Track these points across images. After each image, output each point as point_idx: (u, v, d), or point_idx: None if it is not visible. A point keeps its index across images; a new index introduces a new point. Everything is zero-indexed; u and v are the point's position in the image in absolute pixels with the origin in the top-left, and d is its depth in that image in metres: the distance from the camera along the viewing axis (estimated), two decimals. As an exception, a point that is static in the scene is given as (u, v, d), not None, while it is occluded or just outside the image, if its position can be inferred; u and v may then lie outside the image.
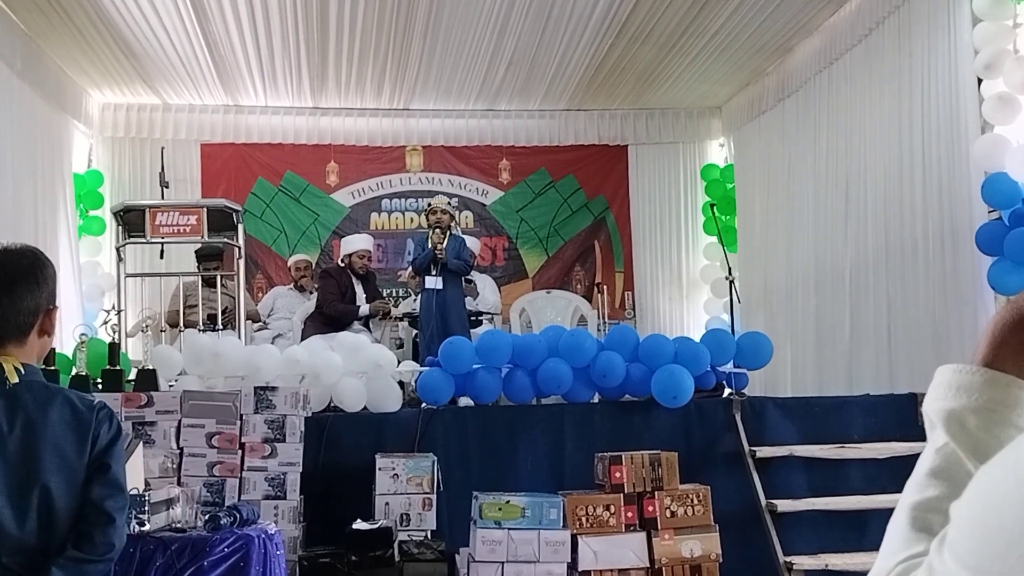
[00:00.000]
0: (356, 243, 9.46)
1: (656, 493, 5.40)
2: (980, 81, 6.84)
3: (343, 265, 9.35)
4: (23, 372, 2.38)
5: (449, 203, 9.03)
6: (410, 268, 9.19)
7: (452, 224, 8.72)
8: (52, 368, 5.55)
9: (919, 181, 7.50)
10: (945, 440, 0.97)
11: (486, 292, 9.70)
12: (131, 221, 7.34)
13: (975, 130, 6.89)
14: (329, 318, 8.89)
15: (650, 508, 5.38)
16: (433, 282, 8.33)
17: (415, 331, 8.78)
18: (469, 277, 9.27)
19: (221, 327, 7.76)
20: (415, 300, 8.93)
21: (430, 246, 8.41)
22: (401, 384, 6.85)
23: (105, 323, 6.61)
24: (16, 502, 2.32)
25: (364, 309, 8.95)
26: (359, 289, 9.11)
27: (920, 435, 1.02)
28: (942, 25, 7.25)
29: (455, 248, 8.53)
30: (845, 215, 8.61)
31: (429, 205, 8.87)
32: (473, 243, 10.01)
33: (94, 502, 2.39)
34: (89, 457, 2.40)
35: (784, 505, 6.00)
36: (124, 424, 5.24)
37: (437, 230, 8.43)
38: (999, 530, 0.80)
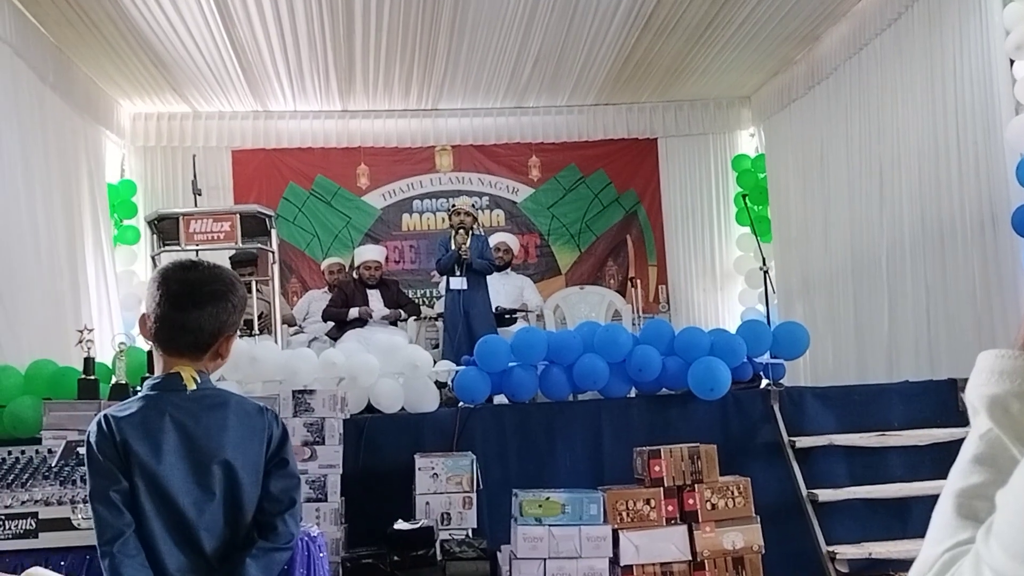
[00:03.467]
0: (364, 254, 9.81)
1: (696, 486, 5.38)
2: (1012, 62, 6.77)
3: (356, 279, 9.52)
4: (199, 380, 2.53)
5: (473, 204, 9.09)
6: (435, 270, 9.32)
7: (475, 225, 8.77)
8: (92, 377, 5.60)
9: (954, 165, 7.44)
10: (989, 426, 0.97)
11: (526, 293, 9.72)
12: (165, 229, 7.39)
13: (1008, 111, 6.82)
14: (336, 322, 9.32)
15: (690, 501, 5.36)
16: (458, 283, 8.39)
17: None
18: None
19: (258, 332, 7.81)
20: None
21: (454, 247, 8.45)
22: (439, 384, 6.86)
23: (143, 331, 6.65)
24: (199, 489, 2.48)
25: (353, 313, 9.09)
26: (374, 297, 9.22)
27: (960, 420, 1.01)
28: (972, 6, 7.19)
29: (478, 248, 8.58)
30: (880, 201, 8.55)
31: (453, 206, 8.93)
32: (513, 241, 10.06)
33: (276, 493, 2.58)
34: (267, 454, 2.59)
35: (825, 495, 5.97)
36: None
37: (461, 231, 8.48)
38: None
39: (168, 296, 2.49)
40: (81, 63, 9.20)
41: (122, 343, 5.86)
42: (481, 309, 8.52)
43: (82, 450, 4.20)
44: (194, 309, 2.49)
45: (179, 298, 2.49)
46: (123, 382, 5.67)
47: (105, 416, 2.47)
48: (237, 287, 2.59)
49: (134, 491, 2.42)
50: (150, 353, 6.06)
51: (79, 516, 3.86)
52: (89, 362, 5.66)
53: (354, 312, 9.05)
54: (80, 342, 5.72)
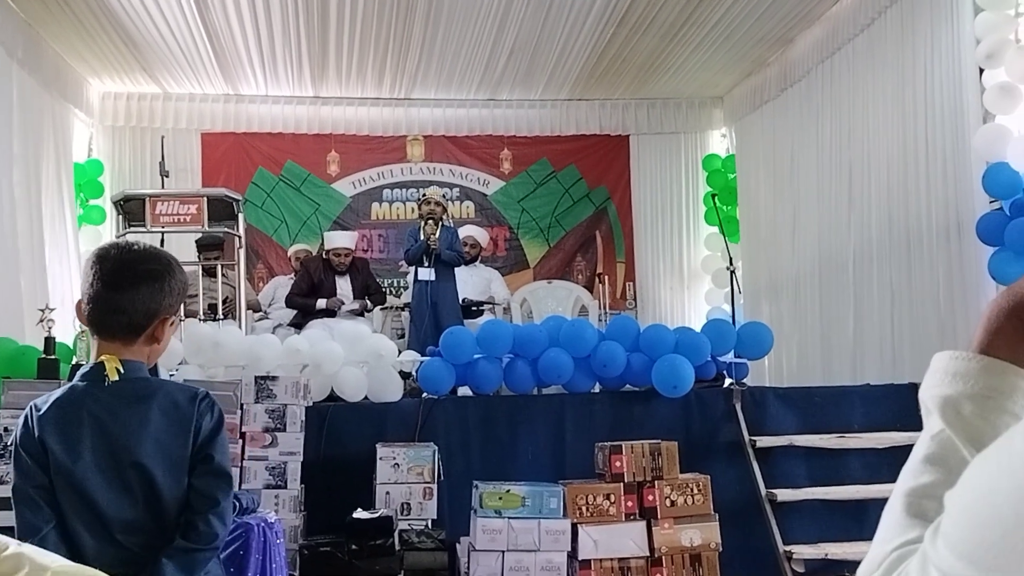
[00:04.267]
0: (335, 240, 9.57)
1: (656, 482, 5.40)
2: (982, 71, 6.82)
3: (324, 259, 9.43)
4: (123, 371, 2.42)
5: (443, 195, 9.05)
6: (403, 260, 9.28)
7: (444, 216, 8.73)
8: (52, 357, 5.56)
9: (922, 171, 7.49)
10: (941, 427, 0.97)
11: (494, 285, 9.72)
12: (131, 210, 7.33)
13: (976, 120, 6.88)
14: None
15: (650, 497, 5.39)
16: (426, 273, 8.35)
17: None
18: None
19: (222, 317, 7.76)
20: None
21: (423, 237, 8.41)
22: (404, 374, 6.85)
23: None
24: (117, 488, 2.40)
25: (321, 303, 8.97)
26: (342, 283, 9.14)
27: (920, 425, 1.02)
28: (944, 15, 7.24)
29: (447, 239, 8.54)
30: (849, 205, 8.60)
31: (423, 196, 8.89)
32: (481, 234, 10.04)
33: (199, 490, 2.47)
34: (193, 448, 2.48)
35: (784, 494, 6.01)
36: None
37: (430, 221, 8.44)
38: (993, 520, 0.80)
39: (102, 275, 2.41)
40: (51, 40, 9.10)
41: (83, 323, 5.81)
42: (448, 301, 8.50)
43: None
44: (128, 288, 2.40)
45: (113, 276, 2.41)
46: (83, 362, 5.62)
47: (30, 408, 2.42)
48: (175, 270, 2.50)
49: (53, 488, 2.37)
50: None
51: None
52: (50, 342, 5.61)
53: (322, 303, 8.97)
54: (41, 321, 5.68)
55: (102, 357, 2.41)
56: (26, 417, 2.41)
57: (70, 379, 5.13)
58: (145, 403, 2.44)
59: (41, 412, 2.39)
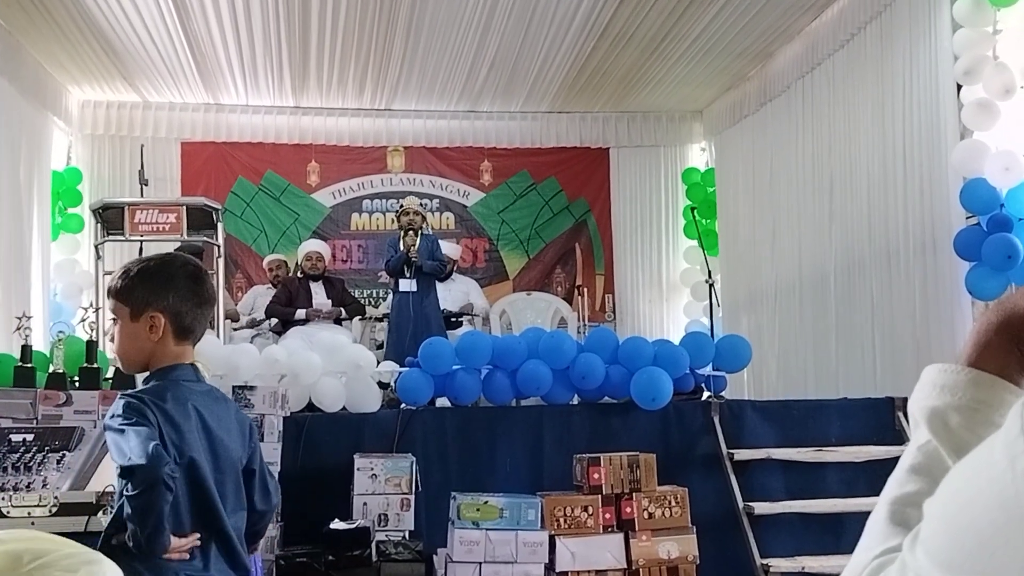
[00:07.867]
0: (306, 247, 9.72)
1: (634, 494, 5.40)
2: (959, 87, 6.87)
3: (301, 276, 9.43)
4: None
5: (421, 204, 9.04)
6: (382, 270, 9.28)
7: (423, 225, 8.71)
8: (29, 365, 5.51)
9: (900, 186, 7.54)
10: (928, 437, 0.98)
11: (472, 296, 9.70)
12: (110, 219, 7.30)
13: (954, 136, 6.93)
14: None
15: (628, 509, 5.38)
16: (407, 284, 8.32)
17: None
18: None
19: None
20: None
21: (403, 248, 8.39)
22: (382, 384, 6.82)
23: (83, 321, 6.56)
24: (220, 476, 2.70)
25: (300, 314, 8.95)
26: (318, 291, 9.13)
27: (897, 439, 1.03)
28: (923, 31, 7.29)
29: (428, 248, 8.52)
30: (830, 219, 8.64)
31: (401, 206, 8.88)
32: (453, 249, 10.02)
33: (262, 472, 2.92)
34: (250, 441, 2.89)
35: (761, 507, 6.01)
36: (101, 421, 5.21)
37: (410, 232, 8.42)
38: (970, 528, 0.80)
39: (205, 290, 2.78)
40: (31, 47, 9.05)
41: (61, 332, 5.78)
42: (431, 312, 8.47)
43: (15, 437, 4.14)
44: (207, 305, 2.80)
45: (206, 293, 2.78)
46: (60, 371, 5.58)
47: (137, 396, 2.59)
48: None
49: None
50: (89, 343, 5.99)
51: (9, 504, 3.79)
52: (26, 350, 5.57)
53: (301, 313, 8.95)
54: (18, 329, 5.64)
55: (192, 360, 2.76)
56: (138, 400, 2.57)
57: (50, 386, 5.12)
58: (225, 403, 2.86)
59: (151, 400, 2.57)
